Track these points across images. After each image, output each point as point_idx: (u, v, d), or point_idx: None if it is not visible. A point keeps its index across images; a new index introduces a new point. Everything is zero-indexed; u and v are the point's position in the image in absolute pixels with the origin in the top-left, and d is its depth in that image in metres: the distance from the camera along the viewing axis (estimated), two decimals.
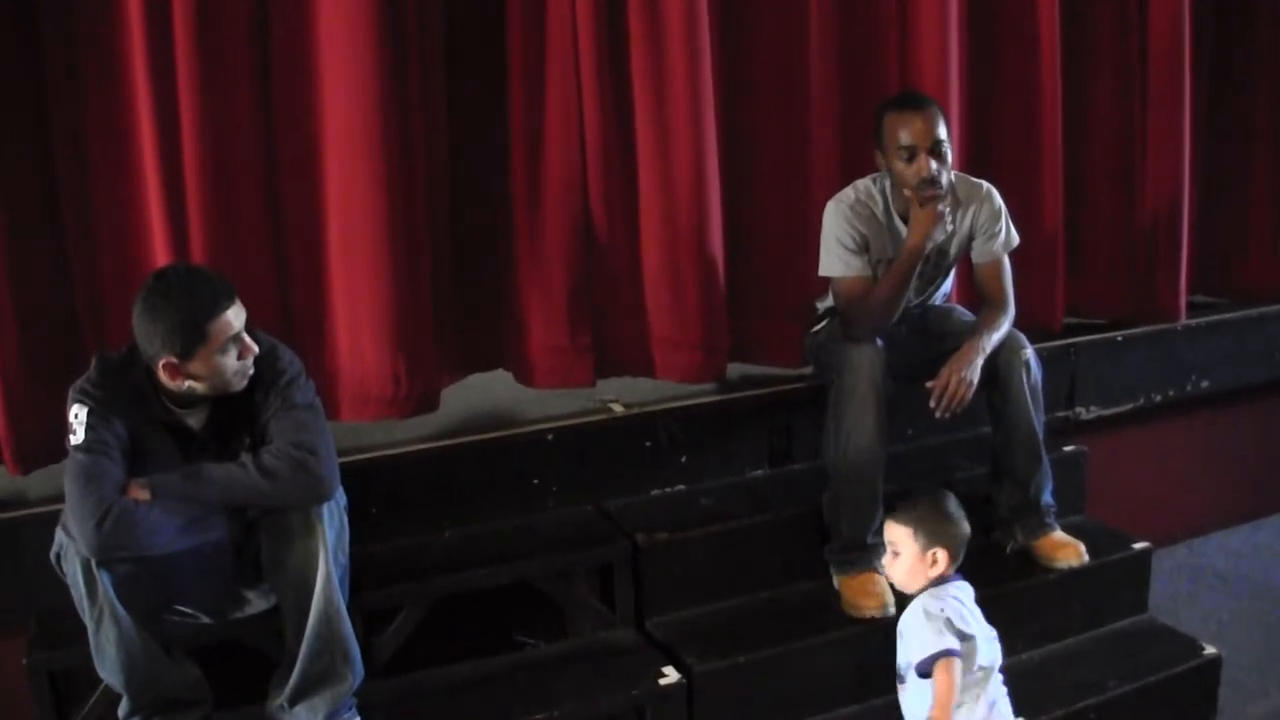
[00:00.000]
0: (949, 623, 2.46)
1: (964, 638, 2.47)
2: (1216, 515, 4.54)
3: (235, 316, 2.45)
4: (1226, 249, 4.61)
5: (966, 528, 2.57)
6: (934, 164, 3.03)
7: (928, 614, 2.48)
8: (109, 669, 2.45)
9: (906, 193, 3.07)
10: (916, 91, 3.34)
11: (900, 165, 3.06)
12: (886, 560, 2.61)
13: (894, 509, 2.60)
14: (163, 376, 2.44)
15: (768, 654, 2.97)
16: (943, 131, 3.06)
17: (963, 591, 2.56)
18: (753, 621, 3.12)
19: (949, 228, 3.13)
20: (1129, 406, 4.14)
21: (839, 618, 3.10)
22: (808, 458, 3.54)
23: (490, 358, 3.56)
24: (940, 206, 3.04)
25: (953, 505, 2.58)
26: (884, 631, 3.03)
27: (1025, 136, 3.93)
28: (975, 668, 2.52)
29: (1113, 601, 3.38)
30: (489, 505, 3.24)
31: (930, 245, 3.09)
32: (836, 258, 3.16)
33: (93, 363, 2.51)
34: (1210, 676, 3.23)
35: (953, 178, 3.15)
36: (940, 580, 2.54)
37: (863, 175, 3.26)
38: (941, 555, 2.52)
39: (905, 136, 3.04)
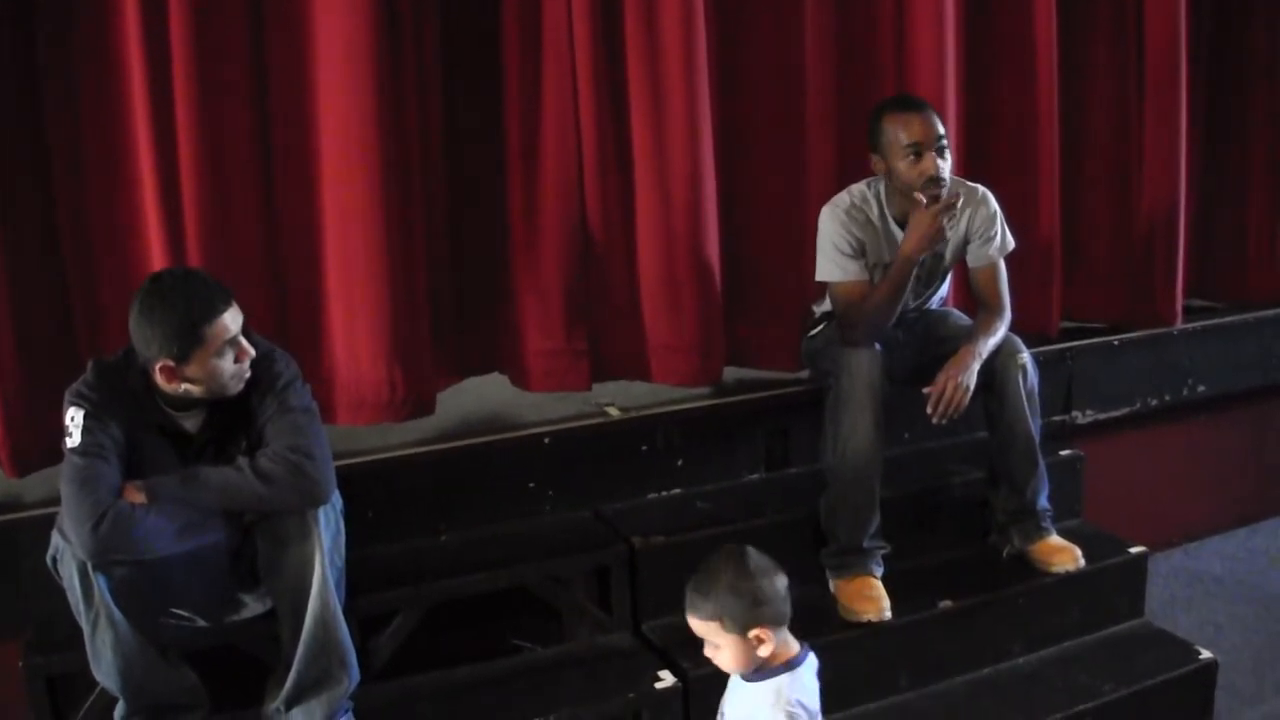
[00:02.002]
0: None
1: None
2: (1213, 519, 4.54)
3: (232, 320, 2.45)
4: (1223, 253, 4.61)
5: (774, 583, 2.20)
6: (939, 161, 3.04)
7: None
8: (105, 672, 2.45)
9: (917, 195, 3.04)
10: (911, 94, 3.34)
11: (904, 165, 3.05)
12: (709, 653, 2.24)
13: (689, 598, 2.21)
14: (159, 380, 2.44)
15: None
16: (943, 130, 3.07)
17: (810, 674, 2.27)
18: None
19: (949, 235, 3.13)
20: (1125, 411, 4.14)
21: (835, 622, 3.09)
22: (804, 462, 3.54)
23: (486, 361, 3.57)
24: (944, 219, 3.03)
25: (749, 564, 2.19)
26: (881, 636, 3.05)
27: (1022, 140, 3.93)
28: None
29: (1109, 606, 3.39)
30: (485, 509, 3.24)
31: (929, 250, 3.09)
32: (833, 263, 3.16)
33: (89, 366, 2.51)
34: (1206, 681, 3.23)
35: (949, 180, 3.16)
36: (789, 663, 2.23)
37: (858, 180, 3.26)
38: (764, 633, 2.17)
39: (910, 135, 3.03)
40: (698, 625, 2.21)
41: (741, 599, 2.16)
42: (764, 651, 2.19)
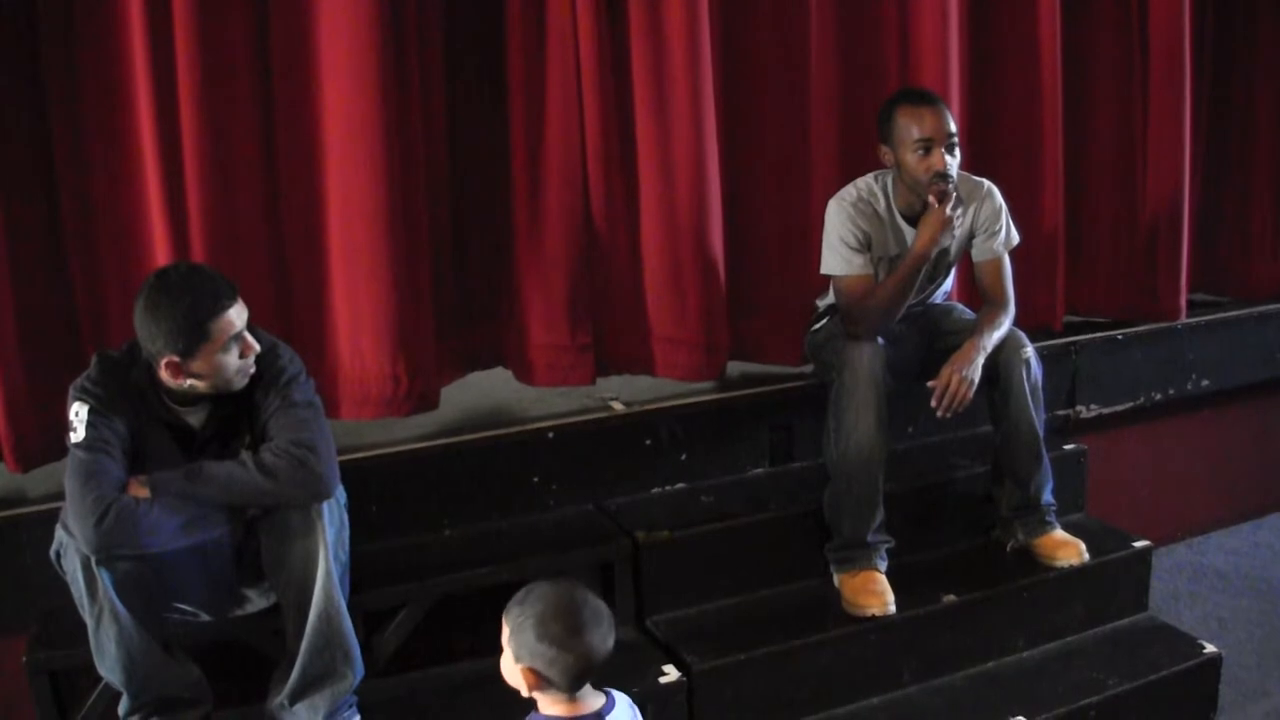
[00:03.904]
0: None
1: None
2: (1217, 514, 4.54)
3: (237, 315, 2.45)
4: (1227, 247, 4.61)
5: (575, 646, 1.93)
6: (948, 158, 3.03)
7: None
8: (109, 667, 2.45)
9: (929, 197, 3.03)
10: (924, 88, 3.33)
11: (913, 159, 3.05)
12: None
13: (520, 592, 2.02)
14: (164, 375, 2.44)
15: (768, 652, 2.97)
16: (954, 126, 3.07)
17: None
18: (753, 620, 3.12)
19: (956, 233, 3.12)
20: (1129, 405, 4.14)
21: (839, 616, 3.10)
22: (808, 456, 3.54)
23: (490, 356, 3.56)
24: (949, 211, 3.02)
25: (576, 613, 1.95)
26: (885, 630, 3.05)
27: (1026, 134, 3.92)
28: None
29: (1113, 600, 3.38)
30: (489, 504, 3.24)
31: (936, 250, 3.08)
32: (838, 256, 3.16)
33: (93, 361, 2.51)
34: (1210, 675, 3.23)
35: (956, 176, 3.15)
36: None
37: (863, 174, 3.25)
38: (530, 678, 1.96)
39: (921, 130, 3.03)
40: (505, 617, 2.02)
41: (536, 632, 1.94)
42: (523, 692, 1.99)
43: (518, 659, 1.97)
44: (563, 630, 1.93)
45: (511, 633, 1.97)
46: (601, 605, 2.00)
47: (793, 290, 3.57)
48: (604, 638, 1.97)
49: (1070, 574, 3.28)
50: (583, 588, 2.02)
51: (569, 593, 1.99)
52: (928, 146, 3.03)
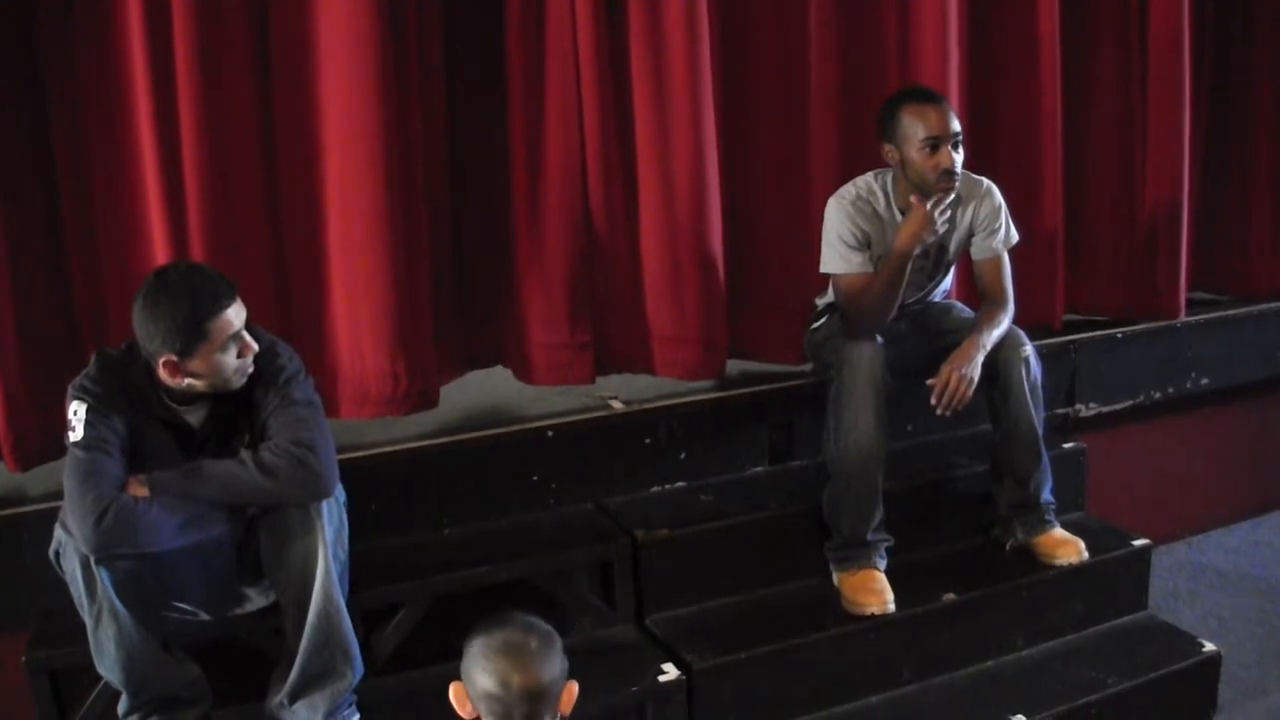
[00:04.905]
0: None
1: None
2: (1216, 512, 4.54)
3: (236, 315, 2.45)
4: (1227, 246, 4.60)
5: (483, 677, 1.92)
6: (954, 155, 3.04)
7: None
8: (108, 666, 2.45)
9: (933, 190, 3.03)
10: (926, 86, 3.33)
11: (920, 157, 3.04)
12: None
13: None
14: (163, 374, 2.44)
15: (767, 651, 2.97)
16: (958, 124, 3.06)
17: None
18: (753, 618, 3.12)
19: (940, 230, 3.10)
20: (1129, 403, 4.13)
21: (839, 615, 3.10)
22: (808, 455, 3.54)
23: (490, 355, 3.56)
24: (929, 206, 3.01)
25: (494, 640, 1.96)
26: (885, 628, 3.05)
27: (1025, 132, 3.92)
28: None
29: (1113, 598, 3.38)
30: (488, 502, 3.24)
31: (919, 247, 3.07)
32: (838, 254, 3.16)
33: (92, 360, 2.51)
34: (1210, 673, 3.23)
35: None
36: None
37: (862, 172, 3.25)
38: (460, 702, 1.97)
39: (928, 128, 3.02)
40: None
41: (466, 652, 1.97)
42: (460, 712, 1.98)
43: (460, 676, 1.98)
44: (480, 651, 1.96)
45: (463, 650, 2.00)
46: (526, 641, 1.97)
47: (792, 288, 3.57)
48: (525, 668, 1.94)
49: (1070, 572, 3.28)
50: (526, 618, 2.03)
51: (504, 619, 2.01)
52: (935, 144, 3.03)
